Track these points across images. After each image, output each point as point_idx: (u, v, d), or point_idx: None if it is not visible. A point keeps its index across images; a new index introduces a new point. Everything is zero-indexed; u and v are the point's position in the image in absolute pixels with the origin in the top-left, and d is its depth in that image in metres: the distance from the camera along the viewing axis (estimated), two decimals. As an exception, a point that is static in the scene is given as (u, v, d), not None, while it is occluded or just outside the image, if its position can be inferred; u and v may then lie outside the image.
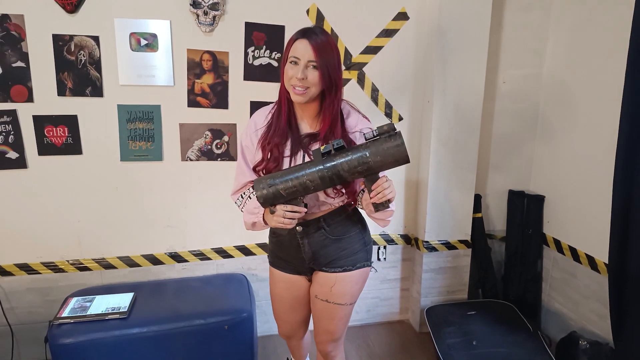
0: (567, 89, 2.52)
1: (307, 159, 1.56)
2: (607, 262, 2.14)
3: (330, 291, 1.67)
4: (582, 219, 2.46)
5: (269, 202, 1.46)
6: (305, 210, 1.49)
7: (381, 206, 1.45)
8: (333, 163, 1.40)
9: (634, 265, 1.99)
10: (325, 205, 1.62)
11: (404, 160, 1.39)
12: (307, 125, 1.61)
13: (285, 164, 1.57)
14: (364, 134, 1.40)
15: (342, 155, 1.41)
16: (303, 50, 1.45)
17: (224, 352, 2.20)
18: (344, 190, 1.57)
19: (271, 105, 1.67)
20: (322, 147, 1.42)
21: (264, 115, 1.65)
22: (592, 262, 2.38)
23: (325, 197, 1.59)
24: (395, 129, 1.39)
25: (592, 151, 2.36)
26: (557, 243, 2.62)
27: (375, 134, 1.39)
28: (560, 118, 2.59)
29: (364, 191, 1.57)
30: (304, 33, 1.48)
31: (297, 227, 1.62)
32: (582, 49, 2.41)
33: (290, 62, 1.48)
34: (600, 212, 2.27)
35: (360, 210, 1.72)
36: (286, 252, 1.73)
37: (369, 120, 1.66)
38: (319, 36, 1.46)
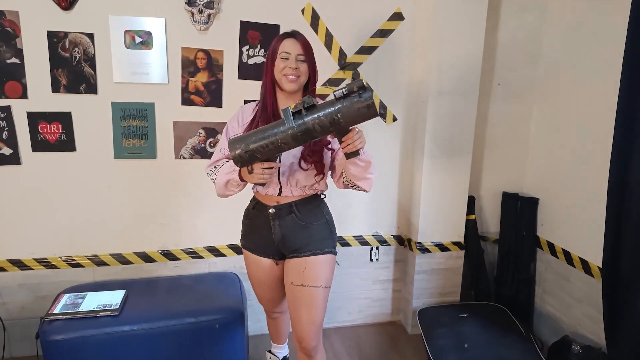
0: (561, 91, 2.52)
1: (290, 155, 1.71)
2: (600, 266, 2.14)
3: (303, 275, 1.77)
4: (576, 222, 2.45)
5: (245, 163, 1.55)
6: (279, 164, 1.66)
7: (352, 154, 1.53)
8: (305, 121, 1.44)
9: (627, 270, 1.99)
10: (298, 191, 1.76)
11: (373, 116, 1.43)
12: None
13: None
14: (334, 93, 1.43)
15: (313, 114, 1.44)
16: (292, 47, 1.68)
17: (215, 351, 2.20)
18: (315, 165, 1.72)
19: (257, 101, 1.83)
20: (292, 107, 1.46)
21: (251, 108, 1.82)
22: (585, 266, 2.38)
23: (305, 179, 1.73)
24: (364, 86, 1.41)
25: (587, 154, 2.35)
26: (551, 246, 2.62)
27: (345, 92, 1.41)
28: (554, 121, 2.58)
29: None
30: (290, 34, 1.72)
31: (270, 209, 1.77)
32: (577, 51, 2.41)
33: (281, 57, 1.68)
34: (595, 216, 2.26)
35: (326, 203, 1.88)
36: (257, 232, 1.85)
37: None
38: (302, 36, 1.72)
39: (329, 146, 1.76)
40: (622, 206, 1.99)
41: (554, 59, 2.57)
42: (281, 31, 2.34)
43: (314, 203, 1.81)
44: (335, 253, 1.85)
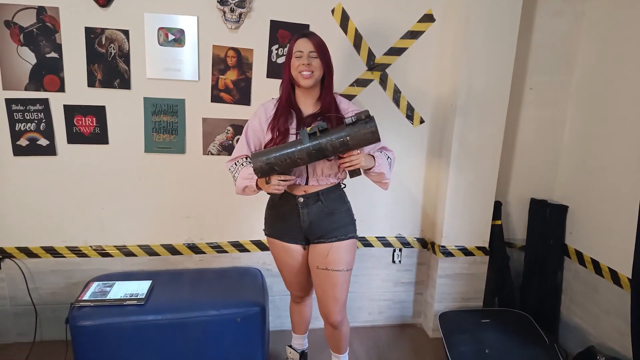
0: (597, 98, 2.46)
1: None
2: (630, 276, 2.08)
3: (327, 259, 1.94)
4: (606, 231, 2.39)
5: (265, 174, 1.77)
6: (294, 178, 1.85)
7: (354, 173, 1.80)
8: (319, 142, 1.71)
9: (657, 282, 1.93)
10: (323, 181, 1.92)
11: (377, 141, 1.73)
12: (308, 108, 1.93)
13: (291, 139, 1.86)
14: (345, 119, 1.71)
15: (327, 136, 1.71)
16: (305, 45, 1.82)
17: (236, 344, 2.23)
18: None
19: (276, 98, 1.98)
20: (308, 129, 1.73)
21: (272, 104, 1.97)
22: (614, 277, 2.31)
23: (329, 168, 1.91)
24: (370, 116, 1.70)
25: (620, 163, 2.29)
26: (579, 255, 2.55)
27: (353, 120, 1.70)
28: (588, 128, 2.52)
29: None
30: (303, 34, 1.86)
31: (299, 198, 1.92)
32: (614, 57, 2.34)
33: (296, 57, 1.83)
34: (625, 225, 2.20)
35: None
36: (285, 222, 1.99)
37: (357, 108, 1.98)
38: (314, 35, 1.86)
39: None
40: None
41: (590, 65, 2.50)
42: (311, 30, 2.36)
43: (337, 192, 1.98)
44: (356, 237, 2.03)
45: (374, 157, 1.88)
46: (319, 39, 1.85)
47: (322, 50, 1.84)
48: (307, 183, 1.92)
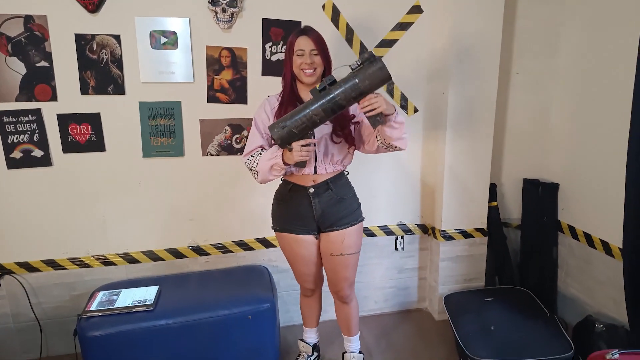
0: (581, 79, 2.55)
1: (322, 132, 1.93)
2: (621, 246, 2.18)
3: (342, 245, 2.03)
4: (596, 205, 2.49)
5: (285, 141, 1.75)
6: (315, 140, 1.84)
7: (376, 121, 1.73)
8: (332, 95, 1.67)
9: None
10: (331, 168, 1.98)
11: (388, 78, 1.66)
12: None
13: None
14: (350, 65, 1.68)
15: (337, 87, 1.67)
16: (306, 44, 1.86)
17: (248, 341, 2.25)
18: (346, 138, 1.96)
19: (277, 94, 2.03)
20: (317, 86, 1.70)
21: (275, 98, 2.03)
22: (606, 248, 2.42)
23: (338, 152, 1.97)
24: (374, 55, 1.66)
25: (606, 140, 2.39)
26: (572, 230, 2.66)
27: (359, 63, 1.66)
28: (574, 108, 2.62)
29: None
30: (302, 31, 1.89)
31: (309, 189, 1.97)
32: (596, 40, 2.43)
33: (297, 55, 1.87)
34: (614, 199, 2.30)
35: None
36: (297, 214, 2.03)
37: None
38: (314, 32, 1.90)
39: (354, 120, 1.99)
40: (640, 187, 2.03)
41: (574, 48, 2.59)
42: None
43: (343, 179, 2.07)
44: (363, 219, 2.12)
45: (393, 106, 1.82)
46: (318, 35, 1.90)
47: (323, 47, 1.89)
48: (315, 172, 1.97)
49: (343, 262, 2.07)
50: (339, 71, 1.83)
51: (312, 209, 2.00)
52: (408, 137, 1.95)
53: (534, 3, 2.63)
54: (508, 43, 2.64)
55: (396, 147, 1.91)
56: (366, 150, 2.02)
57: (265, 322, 2.26)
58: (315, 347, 2.44)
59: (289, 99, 1.94)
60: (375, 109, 1.69)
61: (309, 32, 1.89)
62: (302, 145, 1.75)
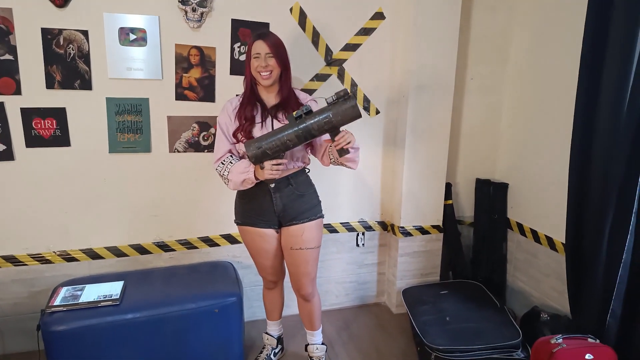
0: (528, 85, 2.76)
1: (275, 122, 2.03)
2: (564, 242, 2.37)
3: (302, 238, 2.10)
4: (542, 203, 2.69)
5: (259, 160, 1.88)
6: (286, 160, 1.95)
7: (343, 151, 1.90)
8: (306, 124, 1.83)
9: (587, 245, 2.22)
10: (291, 164, 2.06)
11: (358, 116, 1.82)
12: (270, 101, 2.07)
13: (257, 127, 2.01)
14: (326, 99, 1.83)
15: (311, 117, 1.83)
16: (261, 47, 1.95)
17: (214, 335, 2.29)
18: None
19: (240, 95, 2.11)
20: (294, 113, 1.84)
21: (236, 99, 2.10)
22: (551, 243, 2.62)
23: (299, 151, 2.05)
24: (348, 93, 1.83)
25: (551, 143, 2.59)
26: (520, 226, 2.86)
27: (334, 99, 1.82)
28: (522, 112, 2.82)
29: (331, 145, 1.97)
30: (259, 35, 1.98)
31: (270, 185, 2.03)
32: (543, 48, 2.64)
33: (254, 57, 1.97)
34: (558, 198, 2.50)
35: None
36: (259, 208, 2.10)
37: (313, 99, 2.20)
38: (270, 36, 1.99)
39: None
40: (582, 188, 2.21)
41: (522, 56, 2.80)
42: (271, 29, 2.46)
43: (303, 176, 2.15)
44: (323, 216, 2.20)
45: None
46: (274, 39, 1.98)
47: (278, 50, 1.97)
48: None
49: (303, 257, 2.13)
50: (322, 102, 2.01)
51: (273, 203, 2.07)
52: (359, 161, 2.08)
53: (487, 12, 2.82)
54: (464, 50, 2.82)
55: (349, 167, 2.06)
56: (320, 160, 2.16)
57: (231, 316, 2.31)
58: (279, 340, 2.51)
59: (249, 100, 2.03)
60: (349, 143, 1.87)
61: (266, 36, 1.97)
62: (273, 165, 1.88)
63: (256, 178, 1.96)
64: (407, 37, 2.62)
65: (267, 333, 2.50)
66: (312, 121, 1.82)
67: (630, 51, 1.94)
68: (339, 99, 1.81)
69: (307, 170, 2.17)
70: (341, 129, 1.87)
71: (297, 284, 2.22)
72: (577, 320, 2.34)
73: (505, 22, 2.84)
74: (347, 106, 1.80)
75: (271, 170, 1.89)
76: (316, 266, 2.21)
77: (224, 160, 2.04)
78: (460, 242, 3.03)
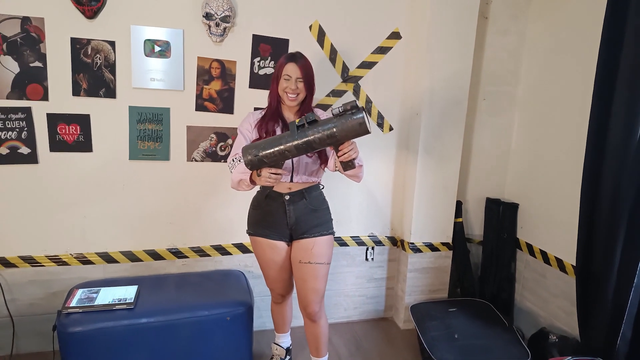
0: (539, 106, 2.80)
1: None
2: (574, 264, 2.38)
3: (312, 252, 2.09)
4: (552, 225, 2.71)
5: (255, 167, 1.80)
6: (284, 171, 1.87)
7: (348, 165, 1.79)
8: (306, 137, 1.69)
9: (598, 267, 2.22)
10: (306, 178, 2.08)
11: (365, 133, 1.67)
12: (290, 118, 2.11)
13: None
14: (332, 110, 1.70)
15: (314, 129, 1.69)
16: (293, 71, 2.00)
17: (224, 343, 2.33)
18: (319, 154, 2.06)
19: (262, 109, 2.17)
20: (297, 120, 1.73)
21: (259, 112, 2.16)
22: (560, 264, 2.63)
23: (312, 164, 2.06)
24: (357, 106, 1.66)
25: (562, 164, 2.62)
26: (529, 247, 2.88)
27: (341, 111, 1.66)
28: (532, 132, 2.86)
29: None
30: (292, 58, 2.03)
31: (285, 196, 2.07)
32: (553, 71, 2.69)
33: (284, 79, 2.01)
34: (569, 219, 2.51)
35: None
36: (272, 220, 2.12)
37: None
38: (302, 60, 2.03)
39: None
40: (593, 210, 2.22)
41: (533, 77, 2.85)
42: (290, 46, 2.55)
43: (317, 191, 2.17)
44: (334, 233, 2.21)
45: None
46: (306, 63, 2.03)
47: (308, 76, 2.02)
48: (291, 180, 2.07)
49: (312, 271, 2.11)
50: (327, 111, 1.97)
51: (287, 215, 2.09)
52: (363, 176, 2.03)
53: (500, 35, 2.88)
54: (477, 71, 2.88)
55: (351, 179, 2.02)
56: (328, 168, 2.13)
57: (242, 325, 2.35)
58: (288, 351, 2.53)
59: (272, 115, 2.08)
60: (350, 157, 1.76)
61: (299, 59, 2.02)
62: (271, 173, 1.80)
63: (252, 182, 1.92)
64: (422, 56, 2.68)
65: (276, 343, 2.52)
66: (315, 134, 1.69)
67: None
68: (345, 112, 1.66)
69: (321, 187, 2.19)
70: (347, 142, 1.75)
71: (304, 301, 2.17)
72: (586, 342, 2.33)
73: (517, 45, 2.90)
74: (354, 122, 1.65)
75: (268, 178, 1.81)
76: (324, 284, 2.16)
77: (234, 158, 2.05)
78: (469, 260, 3.05)
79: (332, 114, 1.69)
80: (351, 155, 1.76)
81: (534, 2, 2.83)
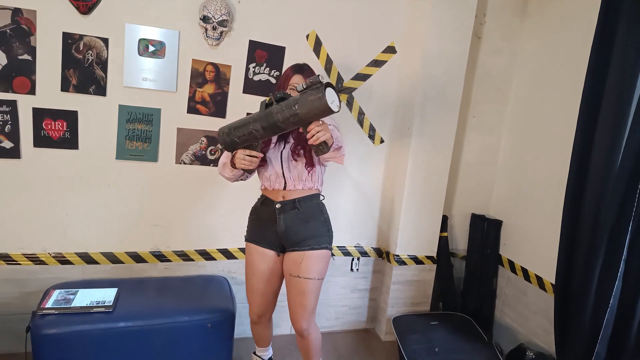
0: (526, 126, 2.86)
1: (287, 149, 2.03)
2: (553, 282, 2.43)
3: (300, 266, 2.03)
4: (533, 243, 2.76)
5: (229, 147, 1.80)
6: (261, 155, 1.88)
7: (319, 150, 1.66)
8: (272, 117, 1.63)
9: (576, 287, 2.26)
10: (300, 185, 2.03)
11: (327, 110, 1.52)
12: None
13: (272, 146, 2.04)
14: (296, 87, 1.67)
15: (280, 108, 1.62)
16: (299, 81, 1.99)
17: (204, 350, 2.29)
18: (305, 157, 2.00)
19: None
20: (267, 99, 1.67)
21: None
22: (540, 282, 2.68)
23: (299, 166, 2.01)
24: (319, 82, 1.53)
25: (546, 183, 2.68)
26: (511, 264, 2.92)
27: (304, 87, 1.56)
28: (518, 152, 2.92)
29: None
30: (299, 69, 2.04)
31: (276, 205, 2.03)
32: (541, 92, 2.76)
33: (290, 88, 2.01)
34: (550, 238, 2.56)
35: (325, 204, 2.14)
36: (264, 226, 2.10)
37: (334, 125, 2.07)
38: (309, 72, 2.04)
39: None
40: (574, 231, 2.27)
41: (522, 97, 2.91)
42: (286, 53, 2.55)
43: (315, 201, 2.10)
44: (330, 249, 2.12)
45: None
46: (312, 74, 2.03)
47: None
48: (285, 187, 2.05)
49: (300, 286, 2.04)
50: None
51: (277, 224, 2.05)
52: (345, 155, 1.96)
53: (493, 55, 2.93)
54: (468, 89, 2.92)
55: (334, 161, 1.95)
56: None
57: (223, 332, 2.32)
58: (269, 360, 2.50)
59: None
60: (319, 139, 1.64)
61: (305, 71, 2.04)
62: (246, 154, 1.81)
63: (233, 165, 1.91)
64: (416, 72, 2.70)
65: (256, 355, 2.49)
66: (279, 114, 1.59)
67: (627, 102, 2.04)
68: (308, 88, 1.53)
69: (321, 197, 2.13)
70: (314, 122, 1.63)
71: (293, 316, 2.11)
72: (563, 359, 2.39)
73: (509, 65, 2.96)
74: (313, 98, 1.50)
75: (242, 160, 1.81)
76: (314, 300, 2.08)
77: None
78: (452, 274, 3.08)
79: (296, 91, 1.59)
80: (319, 137, 1.63)
81: (527, 24, 2.89)
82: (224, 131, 1.77)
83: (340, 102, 1.67)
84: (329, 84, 1.54)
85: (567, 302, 2.34)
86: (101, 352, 2.12)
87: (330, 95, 1.54)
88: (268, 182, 2.07)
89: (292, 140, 2.03)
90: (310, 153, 1.98)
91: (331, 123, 2.02)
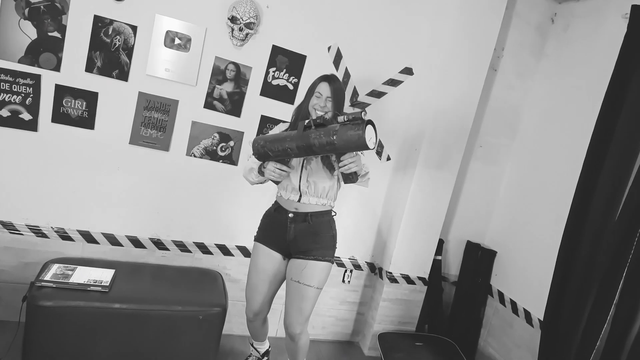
0: (530, 161, 2.92)
1: (309, 163, 2.08)
2: (541, 318, 2.46)
3: (302, 273, 2.11)
4: (525, 277, 2.80)
5: (261, 157, 1.92)
6: (290, 169, 1.99)
7: (348, 178, 1.79)
8: (310, 140, 1.72)
9: (565, 324, 2.30)
10: (314, 199, 2.10)
11: (364, 147, 1.62)
12: None
13: (293, 162, 2.07)
14: (338, 118, 1.70)
15: (318, 133, 1.70)
16: (325, 90, 2.06)
17: (193, 341, 2.32)
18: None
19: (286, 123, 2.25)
20: (306, 121, 1.76)
21: (284, 125, 2.23)
22: (528, 316, 2.72)
23: (318, 177, 2.08)
24: (362, 119, 1.62)
25: (544, 219, 2.73)
26: (501, 295, 2.96)
27: (345, 120, 1.65)
28: (519, 186, 2.97)
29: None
30: (326, 78, 2.10)
31: (289, 214, 2.11)
32: (549, 130, 2.82)
33: (316, 96, 2.07)
34: (542, 275, 2.60)
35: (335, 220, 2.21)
36: (275, 231, 2.18)
37: None
38: (335, 82, 2.09)
39: None
40: (568, 271, 2.31)
41: (529, 134, 2.97)
42: (307, 62, 2.61)
43: (326, 218, 2.17)
44: (332, 262, 2.20)
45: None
46: (338, 85, 2.09)
47: (338, 97, 2.07)
48: (299, 200, 2.10)
49: (299, 291, 2.11)
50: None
51: (287, 232, 2.12)
52: (370, 179, 2.09)
53: (505, 90, 3.00)
54: (478, 119, 2.98)
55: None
56: None
57: (214, 326, 2.35)
58: (266, 352, 2.53)
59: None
60: (350, 169, 1.80)
61: (332, 81, 2.08)
62: (276, 167, 1.94)
63: (260, 172, 2.04)
64: (430, 96, 2.77)
65: (253, 346, 2.51)
66: (316, 139, 1.69)
67: (635, 149, 2.10)
68: (349, 122, 1.63)
69: (333, 214, 2.19)
70: (348, 154, 1.75)
71: (288, 319, 2.17)
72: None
73: (520, 101, 3.03)
74: (354, 135, 1.60)
75: (272, 172, 1.96)
76: (311, 307, 2.15)
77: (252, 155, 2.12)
78: (442, 298, 3.11)
79: (339, 122, 1.67)
80: (350, 168, 1.79)
81: (542, 63, 2.96)
82: (260, 143, 1.85)
83: (377, 139, 1.75)
84: (370, 122, 1.64)
85: (554, 339, 2.36)
86: (93, 331, 2.15)
87: (369, 132, 1.64)
88: (284, 191, 2.14)
89: (314, 158, 2.07)
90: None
91: None
